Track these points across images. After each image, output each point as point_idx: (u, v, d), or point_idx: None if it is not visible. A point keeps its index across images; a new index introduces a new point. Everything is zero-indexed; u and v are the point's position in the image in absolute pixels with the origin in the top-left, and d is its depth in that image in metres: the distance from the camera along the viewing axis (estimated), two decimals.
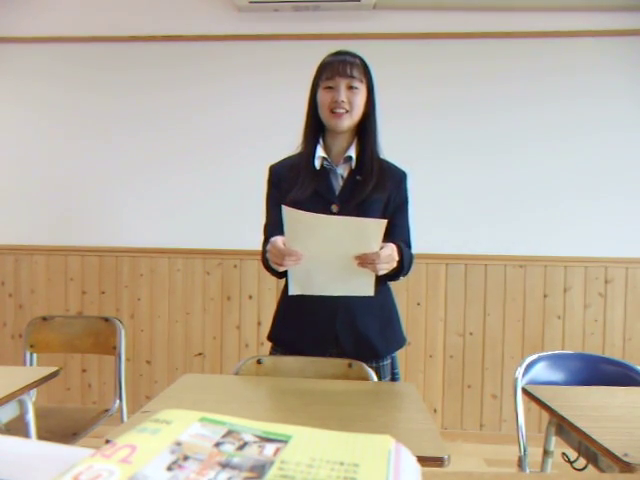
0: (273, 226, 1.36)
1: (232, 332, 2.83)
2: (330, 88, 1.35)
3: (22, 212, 2.92)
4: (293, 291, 1.29)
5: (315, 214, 1.17)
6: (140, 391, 2.86)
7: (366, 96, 1.38)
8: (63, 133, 2.89)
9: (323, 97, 1.36)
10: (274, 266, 1.26)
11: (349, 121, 1.36)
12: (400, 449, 0.41)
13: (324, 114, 1.37)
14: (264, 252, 1.35)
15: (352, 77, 1.33)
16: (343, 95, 1.33)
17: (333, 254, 1.21)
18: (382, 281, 1.33)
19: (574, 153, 2.71)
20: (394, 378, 1.50)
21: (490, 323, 2.75)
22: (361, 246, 1.19)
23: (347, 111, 1.34)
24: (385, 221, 1.15)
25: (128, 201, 2.88)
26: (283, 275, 1.33)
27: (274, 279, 2.74)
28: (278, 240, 1.22)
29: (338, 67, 1.34)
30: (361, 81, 1.35)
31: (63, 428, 1.81)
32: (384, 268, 1.22)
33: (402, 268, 1.30)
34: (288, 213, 1.15)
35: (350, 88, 1.34)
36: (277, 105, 2.77)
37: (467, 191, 2.74)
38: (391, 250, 1.22)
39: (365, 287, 1.27)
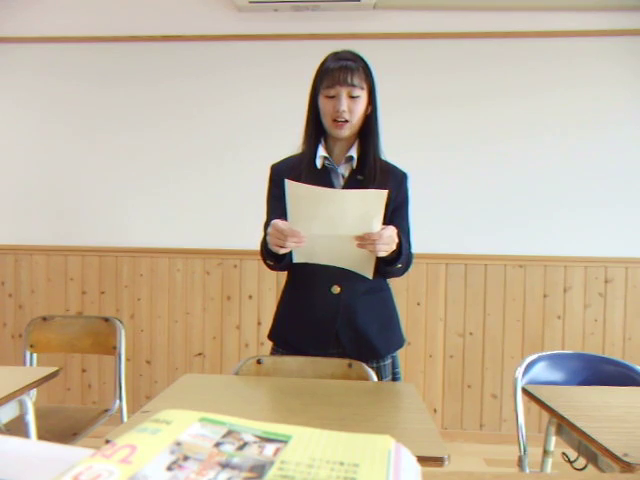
0: None
1: (232, 332, 2.83)
2: (331, 97, 1.34)
3: (22, 212, 2.92)
4: (297, 259, 1.30)
5: (317, 187, 1.17)
6: (140, 391, 2.86)
7: (368, 98, 1.37)
8: (63, 133, 2.90)
9: (325, 106, 1.36)
10: (274, 249, 1.25)
11: (350, 130, 1.37)
12: (400, 449, 0.41)
13: (326, 122, 1.38)
14: (263, 244, 1.35)
15: (353, 86, 1.33)
16: (344, 105, 1.33)
17: (335, 233, 1.21)
18: (381, 271, 1.32)
19: (574, 153, 2.71)
20: (395, 378, 1.50)
21: (490, 323, 2.75)
22: (364, 222, 1.19)
23: (348, 120, 1.35)
24: (386, 192, 1.15)
25: (128, 201, 2.88)
26: (282, 263, 1.32)
27: (274, 279, 2.79)
28: (279, 222, 1.22)
29: (339, 76, 1.33)
30: (362, 88, 1.35)
31: (63, 428, 1.81)
32: (384, 250, 1.22)
33: (400, 254, 1.30)
34: (291, 187, 1.16)
35: (351, 96, 1.34)
36: (277, 105, 2.77)
37: (467, 191, 2.74)
38: (391, 231, 1.22)
39: (365, 268, 1.30)
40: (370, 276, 1.31)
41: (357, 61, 1.36)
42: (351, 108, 1.34)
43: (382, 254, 1.23)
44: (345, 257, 1.29)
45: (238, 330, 2.83)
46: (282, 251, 1.24)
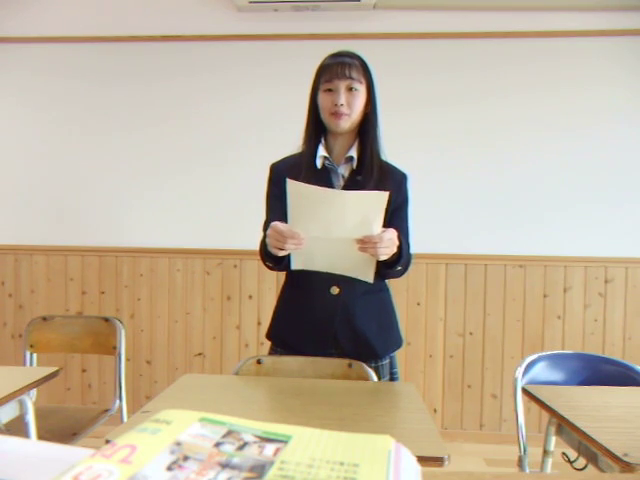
0: None
1: (232, 332, 2.83)
2: (330, 91, 1.35)
3: (22, 212, 2.92)
4: (295, 266, 1.29)
5: (319, 187, 1.17)
6: (140, 391, 2.86)
7: (366, 96, 1.38)
8: (63, 133, 2.89)
9: (323, 100, 1.37)
10: (274, 251, 1.24)
11: (349, 123, 1.37)
12: (400, 449, 0.41)
13: (325, 116, 1.38)
14: (263, 245, 1.34)
15: (351, 79, 1.33)
16: (342, 98, 1.34)
17: (335, 235, 1.20)
18: (381, 273, 1.32)
19: (574, 153, 2.71)
20: (393, 378, 1.50)
21: (490, 323, 2.75)
22: (364, 224, 1.18)
23: (347, 114, 1.35)
24: (387, 194, 1.15)
25: (128, 201, 2.88)
26: (281, 265, 1.32)
27: (274, 279, 2.79)
28: (278, 223, 1.21)
29: (337, 69, 1.34)
30: (360, 82, 1.35)
31: (63, 428, 1.81)
32: (385, 253, 1.22)
33: (401, 257, 1.30)
34: (292, 186, 1.16)
35: (350, 90, 1.34)
36: (277, 105, 2.77)
37: (467, 191, 2.74)
38: (392, 234, 1.22)
39: (365, 272, 1.29)
40: (371, 280, 1.30)
41: (355, 58, 1.38)
42: (350, 102, 1.34)
43: (383, 257, 1.23)
44: (345, 262, 1.27)
45: (238, 330, 2.83)
46: (281, 253, 1.24)
